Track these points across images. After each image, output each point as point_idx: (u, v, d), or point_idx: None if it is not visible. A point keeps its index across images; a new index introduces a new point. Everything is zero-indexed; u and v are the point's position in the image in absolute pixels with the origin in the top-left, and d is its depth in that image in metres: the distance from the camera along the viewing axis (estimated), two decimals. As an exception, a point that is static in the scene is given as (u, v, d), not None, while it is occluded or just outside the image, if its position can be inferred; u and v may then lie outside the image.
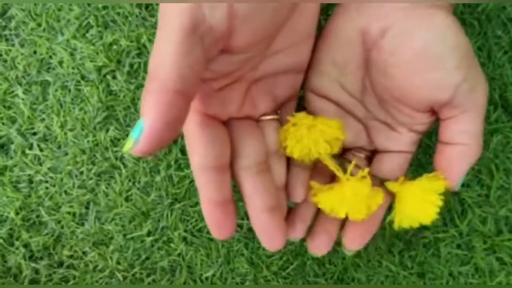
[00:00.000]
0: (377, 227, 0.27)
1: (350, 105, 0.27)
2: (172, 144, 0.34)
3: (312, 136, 0.25)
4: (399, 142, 0.27)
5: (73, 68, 0.34)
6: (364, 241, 0.27)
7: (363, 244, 0.27)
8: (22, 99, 0.34)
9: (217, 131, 0.24)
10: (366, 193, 0.25)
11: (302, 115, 0.26)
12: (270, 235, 0.24)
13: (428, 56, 0.22)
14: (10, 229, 0.34)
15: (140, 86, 0.34)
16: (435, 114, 0.25)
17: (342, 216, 0.25)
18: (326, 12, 0.33)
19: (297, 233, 0.27)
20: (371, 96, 0.26)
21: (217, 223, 0.23)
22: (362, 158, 0.28)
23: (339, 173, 0.26)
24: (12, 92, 0.35)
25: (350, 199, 0.25)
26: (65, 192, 0.34)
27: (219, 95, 0.24)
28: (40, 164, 0.34)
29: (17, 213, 0.34)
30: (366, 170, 0.25)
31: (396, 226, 0.26)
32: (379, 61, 0.24)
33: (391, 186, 0.26)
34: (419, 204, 0.25)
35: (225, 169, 0.24)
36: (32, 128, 0.35)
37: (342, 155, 0.28)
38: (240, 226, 0.34)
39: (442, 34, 0.22)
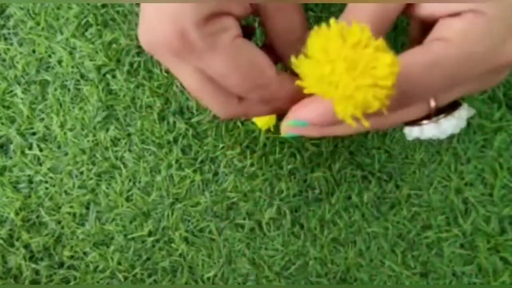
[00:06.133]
0: None
1: None
2: (172, 143, 0.34)
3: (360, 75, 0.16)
4: None
5: (72, 67, 0.34)
6: None
7: None
8: (21, 98, 0.34)
9: None
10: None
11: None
12: None
13: None
14: (10, 229, 0.34)
15: (140, 85, 0.34)
16: None
17: None
18: (329, 10, 0.33)
19: None
20: None
21: None
22: None
23: None
24: (11, 91, 0.34)
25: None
26: (65, 192, 0.34)
27: None
28: (40, 164, 0.34)
29: (17, 214, 0.34)
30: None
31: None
32: None
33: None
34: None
35: None
36: (32, 128, 0.34)
37: None
38: (241, 226, 0.34)
39: None
